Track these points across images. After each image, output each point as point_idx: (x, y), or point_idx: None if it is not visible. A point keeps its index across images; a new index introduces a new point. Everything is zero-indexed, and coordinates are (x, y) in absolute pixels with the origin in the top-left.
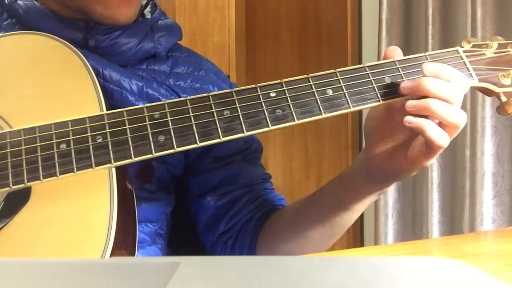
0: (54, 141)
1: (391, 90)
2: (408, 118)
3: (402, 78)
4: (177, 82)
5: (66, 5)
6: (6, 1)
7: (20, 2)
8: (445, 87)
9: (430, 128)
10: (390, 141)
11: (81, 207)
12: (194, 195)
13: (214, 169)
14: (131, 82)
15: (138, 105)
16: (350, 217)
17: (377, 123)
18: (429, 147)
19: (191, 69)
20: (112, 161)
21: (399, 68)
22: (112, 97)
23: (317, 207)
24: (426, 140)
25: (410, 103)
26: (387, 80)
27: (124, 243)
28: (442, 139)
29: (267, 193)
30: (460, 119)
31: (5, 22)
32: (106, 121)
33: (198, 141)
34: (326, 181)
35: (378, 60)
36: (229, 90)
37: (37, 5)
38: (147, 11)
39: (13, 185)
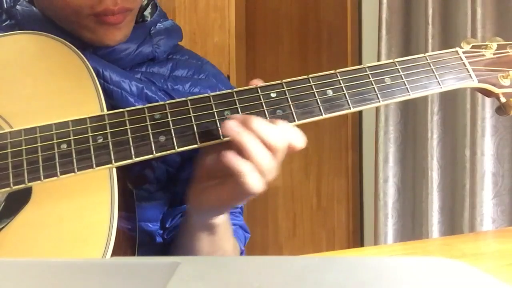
0: (55, 141)
1: (391, 91)
2: (227, 154)
3: (402, 79)
4: (175, 86)
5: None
6: (5, 5)
7: (18, 7)
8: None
9: (247, 172)
10: (210, 184)
11: (82, 207)
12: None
13: (183, 182)
14: (131, 83)
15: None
16: (198, 246)
17: (206, 167)
18: (241, 189)
19: (191, 73)
20: (113, 161)
21: (399, 69)
22: (112, 98)
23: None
24: (240, 182)
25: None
26: (387, 80)
27: (125, 243)
28: (255, 184)
29: None
30: (270, 165)
31: (4, 24)
32: (107, 121)
33: (198, 142)
34: (326, 181)
35: (378, 60)
36: (230, 91)
37: (35, 11)
38: (147, 12)
39: (14, 185)
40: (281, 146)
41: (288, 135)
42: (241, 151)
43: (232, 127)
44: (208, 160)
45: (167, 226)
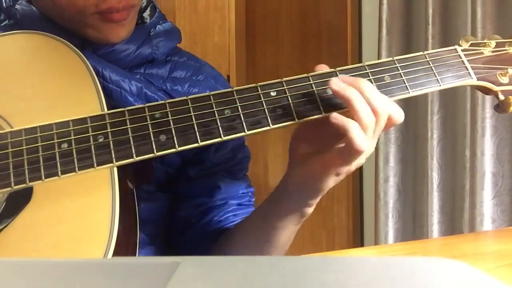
0: (56, 141)
1: (391, 89)
2: (335, 115)
3: (402, 77)
4: (174, 87)
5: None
6: (4, 5)
7: (17, 7)
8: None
9: (354, 128)
10: (311, 152)
11: (83, 207)
12: (172, 200)
13: (196, 179)
14: (131, 83)
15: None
16: (277, 236)
17: (304, 137)
18: (348, 149)
19: (189, 74)
20: (114, 160)
21: (398, 67)
22: (111, 98)
23: (249, 227)
24: (347, 140)
25: (335, 82)
26: (387, 78)
27: (126, 243)
28: (362, 141)
29: (237, 209)
30: (372, 124)
31: (3, 24)
32: (107, 121)
33: (199, 141)
34: None
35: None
36: (229, 90)
37: (34, 10)
38: (146, 14)
39: (15, 185)
40: (384, 111)
41: (390, 104)
42: (348, 110)
43: (339, 83)
44: (305, 132)
45: (186, 239)
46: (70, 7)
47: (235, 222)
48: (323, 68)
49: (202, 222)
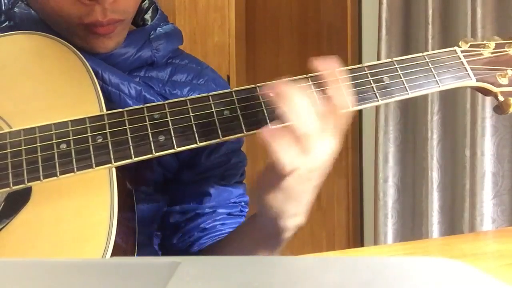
0: (54, 141)
1: (390, 90)
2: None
3: (401, 78)
4: (173, 91)
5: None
6: (3, 8)
7: (16, 10)
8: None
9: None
10: None
11: (81, 207)
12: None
13: (187, 184)
14: (130, 85)
15: None
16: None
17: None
18: (276, 170)
19: (190, 78)
20: (113, 161)
21: (398, 68)
22: (110, 100)
23: (236, 239)
24: (274, 161)
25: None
26: (386, 80)
27: (125, 243)
28: (290, 161)
29: (226, 218)
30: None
31: (3, 25)
32: (106, 121)
33: (198, 141)
34: (326, 181)
35: (378, 60)
36: (228, 90)
37: (33, 14)
38: (148, 15)
39: (13, 185)
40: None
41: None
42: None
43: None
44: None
45: (174, 243)
46: (56, 16)
47: (222, 231)
48: (325, 62)
49: (187, 228)
